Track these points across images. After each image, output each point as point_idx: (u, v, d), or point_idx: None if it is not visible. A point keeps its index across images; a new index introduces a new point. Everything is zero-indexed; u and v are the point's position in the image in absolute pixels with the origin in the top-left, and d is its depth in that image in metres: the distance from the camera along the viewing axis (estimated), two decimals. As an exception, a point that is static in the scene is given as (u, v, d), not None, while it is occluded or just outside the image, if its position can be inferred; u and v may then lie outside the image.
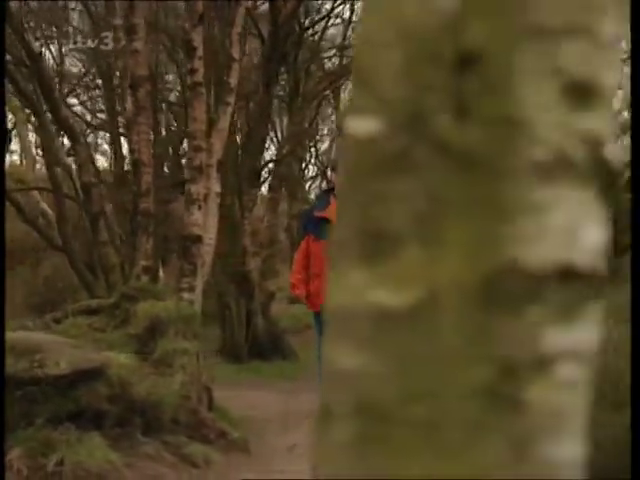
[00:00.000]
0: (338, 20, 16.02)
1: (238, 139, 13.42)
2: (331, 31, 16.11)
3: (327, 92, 16.34)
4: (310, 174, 32.22)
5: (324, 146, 29.28)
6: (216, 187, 7.65)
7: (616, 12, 0.66)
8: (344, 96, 26.30)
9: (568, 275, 0.63)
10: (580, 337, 0.64)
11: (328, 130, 28.35)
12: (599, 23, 0.64)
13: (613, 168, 0.67)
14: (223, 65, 8.92)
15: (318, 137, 28.93)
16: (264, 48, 12.66)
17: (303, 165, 25.85)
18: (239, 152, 13.06)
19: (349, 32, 15.38)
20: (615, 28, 0.66)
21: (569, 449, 0.63)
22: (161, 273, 7.97)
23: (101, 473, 5.33)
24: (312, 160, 28.41)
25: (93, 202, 7.83)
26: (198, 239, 7.32)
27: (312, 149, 28.51)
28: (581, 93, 0.64)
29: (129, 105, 7.70)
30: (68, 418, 5.48)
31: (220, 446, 6.62)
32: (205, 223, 7.48)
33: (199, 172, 7.35)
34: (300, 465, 6.24)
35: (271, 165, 14.95)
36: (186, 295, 7.27)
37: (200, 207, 7.34)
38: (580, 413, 0.64)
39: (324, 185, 23.17)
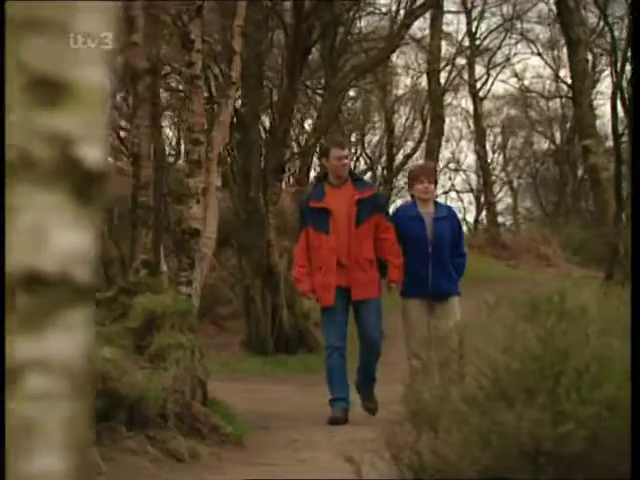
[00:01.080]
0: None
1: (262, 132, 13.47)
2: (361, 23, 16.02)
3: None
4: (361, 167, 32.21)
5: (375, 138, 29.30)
6: (217, 181, 7.61)
7: (95, 10, 0.61)
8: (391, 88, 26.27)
9: (34, 282, 0.57)
10: (51, 347, 0.60)
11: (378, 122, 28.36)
12: (70, 19, 0.60)
13: (89, 169, 0.63)
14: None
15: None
16: (287, 41, 12.63)
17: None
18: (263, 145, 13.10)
19: (379, 24, 15.36)
20: (94, 27, 0.61)
21: (44, 464, 0.59)
22: (164, 267, 7.95)
23: (78, 467, 5.33)
24: (362, 154, 28.44)
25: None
26: (196, 233, 7.29)
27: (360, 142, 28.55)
28: (48, 90, 0.60)
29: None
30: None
31: (213, 440, 6.61)
32: (205, 217, 7.44)
33: (198, 166, 7.32)
34: (292, 459, 6.21)
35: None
36: (184, 289, 7.25)
37: (199, 201, 7.31)
38: (56, 427, 0.59)
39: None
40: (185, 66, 7.30)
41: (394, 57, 27.21)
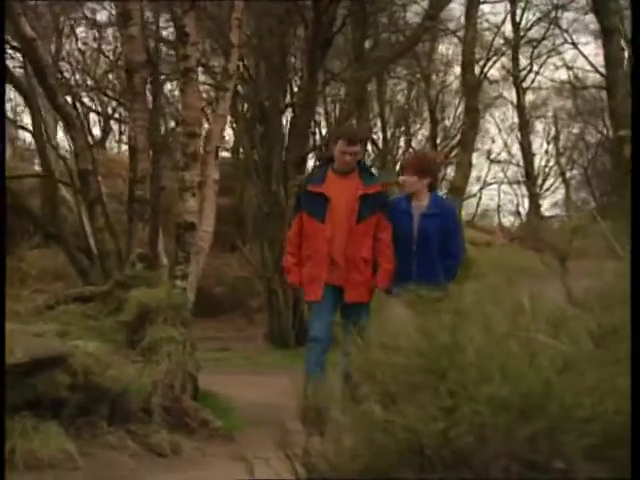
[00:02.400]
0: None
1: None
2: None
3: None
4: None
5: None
6: (215, 174, 7.56)
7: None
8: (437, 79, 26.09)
9: None
10: None
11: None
12: None
13: None
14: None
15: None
16: (307, 33, 12.55)
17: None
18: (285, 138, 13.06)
19: (404, 13, 15.21)
20: None
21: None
22: (164, 260, 7.93)
23: (53, 462, 5.33)
24: (408, 146, 28.33)
25: (90, 189, 7.85)
26: (192, 226, 7.26)
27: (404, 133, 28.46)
28: None
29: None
30: (26, 407, 5.49)
31: (202, 435, 6.58)
32: (201, 211, 7.41)
33: (193, 159, 7.28)
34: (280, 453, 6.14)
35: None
36: (179, 283, 7.22)
37: (194, 194, 7.27)
38: None
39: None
40: (180, 59, 7.25)
41: (442, 48, 27.16)
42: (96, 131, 22.39)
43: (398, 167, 7.14)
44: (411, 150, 25.41)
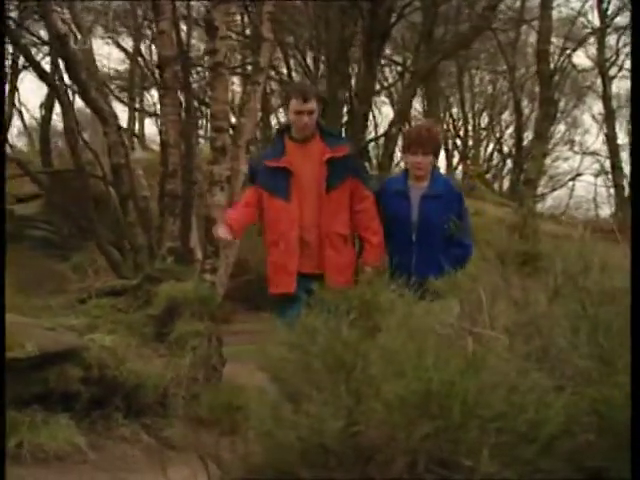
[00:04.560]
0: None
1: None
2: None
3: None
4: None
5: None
6: (244, 168, 7.54)
7: None
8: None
9: None
10: None
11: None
12: None
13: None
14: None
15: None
16: (364, 25, 12.42)
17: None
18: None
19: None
20: None
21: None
22: (199, 254, 7.94)
23: (61, 455, 5.37)
24: (491, 136, 28.05)
25: (123, 183, 7.91)
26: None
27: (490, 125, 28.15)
28: None
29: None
30: (36, 400, 5.55)
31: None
32: (230, 204, 7.39)
33: (222, 153, 7.26)
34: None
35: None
36: (208, 277, 7.22)
37: (223, 188, 7.26)
38: None
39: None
40: (208, 53, 7.25)
41: (530, 37, 26.70)
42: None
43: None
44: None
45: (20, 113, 20.23)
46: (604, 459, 2.17)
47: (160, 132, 7.63)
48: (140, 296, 7.23)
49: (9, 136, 19.51)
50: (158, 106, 17.63)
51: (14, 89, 18.66)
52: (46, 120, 14.58)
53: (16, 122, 21.85)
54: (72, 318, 6.90)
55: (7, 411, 5.28)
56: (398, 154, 14.72)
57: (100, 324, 6.93)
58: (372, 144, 15.71)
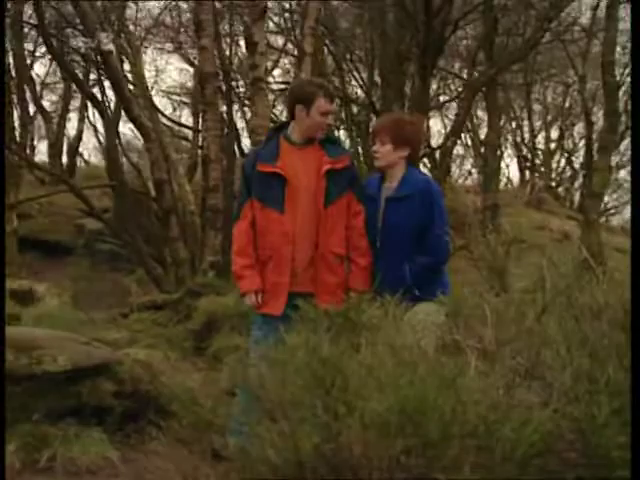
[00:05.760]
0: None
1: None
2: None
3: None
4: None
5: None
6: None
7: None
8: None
9: None
10: None
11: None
12: None
13: None
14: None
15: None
16: (418, 38, 12.31)
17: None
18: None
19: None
20: None
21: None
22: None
23: (94, 469, 5.40)
24: (561, 147, 27.67)
25: (165, 198, 7.96)
26: (256, 234, 7.24)
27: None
28: None
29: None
30: (69, 414, 5.59)
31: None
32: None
33: (261, 167, 7.26)
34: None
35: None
36: (249, 291, 7.20)
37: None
38: None
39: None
40: (249, 69, 7.27)
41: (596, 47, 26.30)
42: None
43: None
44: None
45: (95, 128, 20.42)
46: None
47: (201, 147, 7.65)
48: (180, 310, 7.26)
49: (84, 152, 19.77)
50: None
51: (85, 106, 18.92)
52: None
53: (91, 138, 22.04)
54: (114, 332, 6.97)
55: (40, 425, 5.35)
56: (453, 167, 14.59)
57: (140, 338, 6.97)
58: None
